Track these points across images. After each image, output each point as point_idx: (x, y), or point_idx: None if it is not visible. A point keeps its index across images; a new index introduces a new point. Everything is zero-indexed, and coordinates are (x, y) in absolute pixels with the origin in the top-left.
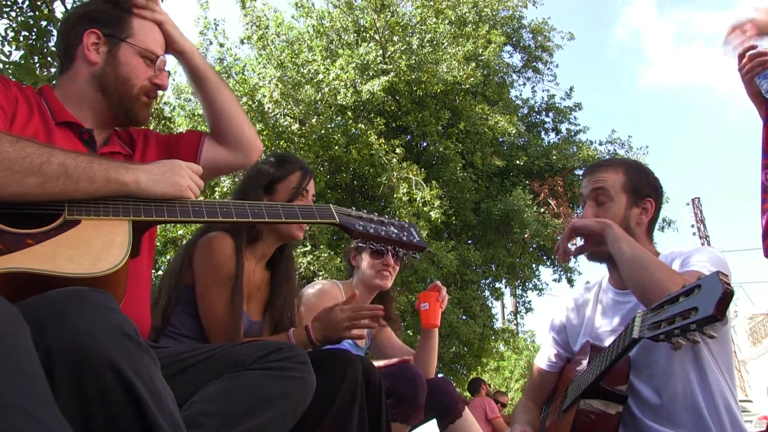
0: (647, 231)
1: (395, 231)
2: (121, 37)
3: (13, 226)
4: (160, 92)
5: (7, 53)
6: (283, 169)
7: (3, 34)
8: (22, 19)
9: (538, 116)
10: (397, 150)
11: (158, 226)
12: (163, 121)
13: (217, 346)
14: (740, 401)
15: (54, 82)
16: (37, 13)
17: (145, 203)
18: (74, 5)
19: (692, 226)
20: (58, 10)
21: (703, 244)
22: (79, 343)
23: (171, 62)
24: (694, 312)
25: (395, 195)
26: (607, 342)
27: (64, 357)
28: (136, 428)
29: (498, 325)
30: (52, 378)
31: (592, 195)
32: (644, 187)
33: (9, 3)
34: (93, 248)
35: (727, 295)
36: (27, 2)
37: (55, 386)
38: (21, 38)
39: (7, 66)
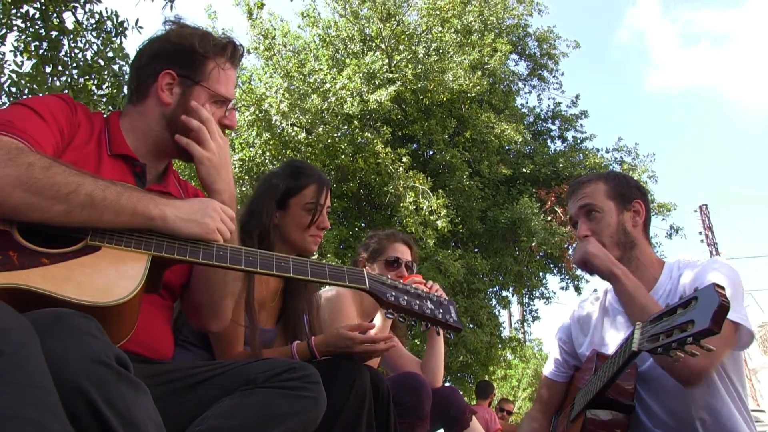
0: (644, 233)
1: (430, 307)
2: (196, 80)
3: (36, 241)
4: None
5: (19, 63)
6: (298, 182)
7: (15, 45)
8: (33, 30)
9: (544, 124)
10: (404, 159)
11: None
12: None
13: (231, 362)
14: (752, 411)
15: (122, 110)
16: (47, 24)
17: (169, 240)
18: (87, 15)
19: (700, 233)
20: (69, 21)
21: (711, 252)
22: (51, 367)
23: None
24: (691, 325)
25: (402, 204)
26: (614, 351)
27: None
28: None
29: (505, 333)
30: None
31: (581, 212)
32: (628, 191)
33: (20, 14)
34: (104, 277)
35: (722, 308)
36: (38, 14)
37: None
38: (32, 49)
39: (19, 76)
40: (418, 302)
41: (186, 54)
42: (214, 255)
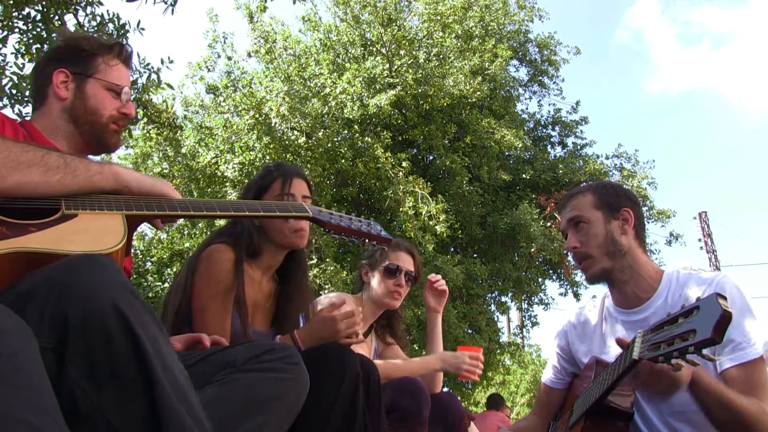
0: (637, 240)
1: (363, 226)
2: (88, 74)
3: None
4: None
5: (20, 65)
6: (266, 180)
7: (16, 47)
8: (35, 32)
9: (544, 130)
10: (404, 164)
11: (165, 239)
12: (173, 130)
13: (212, 349)
14: None
15: (29, 118)
16: (49, 26)
17: (135, 200)
18: (89, 17)
19: (699, 240)
20: (70, 23)
21: (710, 259)
22: (87, 289)
23: (177, 76)
24: (693, 334)
25: (401, 209)
26: (613, 358)
27: (72, 304)
28: (138, 383)
29: (504, 339)
30: (66, 330)
31: (569, 224)
32: (615, 200)
33: (22, 16)
34: (92, 234)
35: (724, 318)
36: (39, 16)
37: (67, 338)
38: (33, 51)
39: (20, 79)
40: (352, 222)
41: (74, 53)
42: (177, 206)
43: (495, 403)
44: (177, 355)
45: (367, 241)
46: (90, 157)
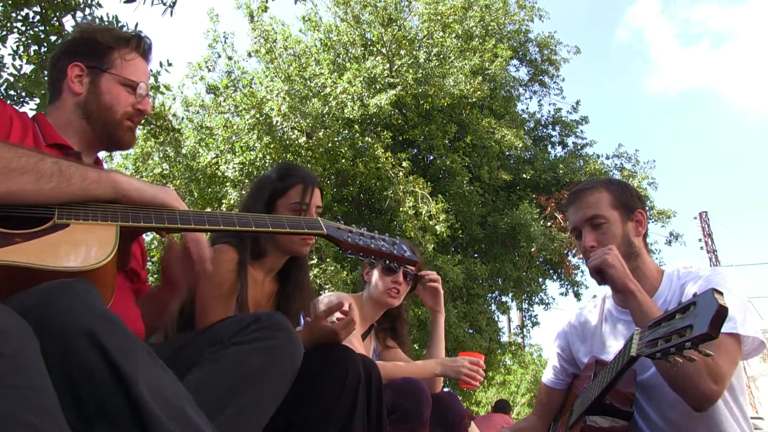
0: (644, 241)
1: (386, 245)
2: (103, 69)
3: (2, 229)
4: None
5: (18, 67)
6: (284, 183)
7: (14, 48)
8: (33, 33)
9: (544, 130)
10: (404, 163)
11: (165, 240)
12: (171, 133)
13: (200, 329)
14: (751, 418)
15: (45, 111)
16: (47, 27)
17: (133, 210)
18: (87, 19)
19: (699, 240)
20: (68, 25)
21: (711, 259)
22: (60, 321)
23: (178, 76)
24: (690, 330)
25: (401, 209)
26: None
27: (48, 338)
28: (126, 414)
29: (504, 339)
30: (47, 367)
31: (586, 223)
32: (630, 200)
33: (20, 17)
34: (80, 247)
35: (720, 313)
36: (38, 17)
37: (50, 374)
38: (32, 52)
39: (18, 79)
40: (374, 242)
41: (89, 46)
42: (177, 219)
43: (502, 408)
44: (164, 355)
45: (388, 261)
46: (101, 159)
